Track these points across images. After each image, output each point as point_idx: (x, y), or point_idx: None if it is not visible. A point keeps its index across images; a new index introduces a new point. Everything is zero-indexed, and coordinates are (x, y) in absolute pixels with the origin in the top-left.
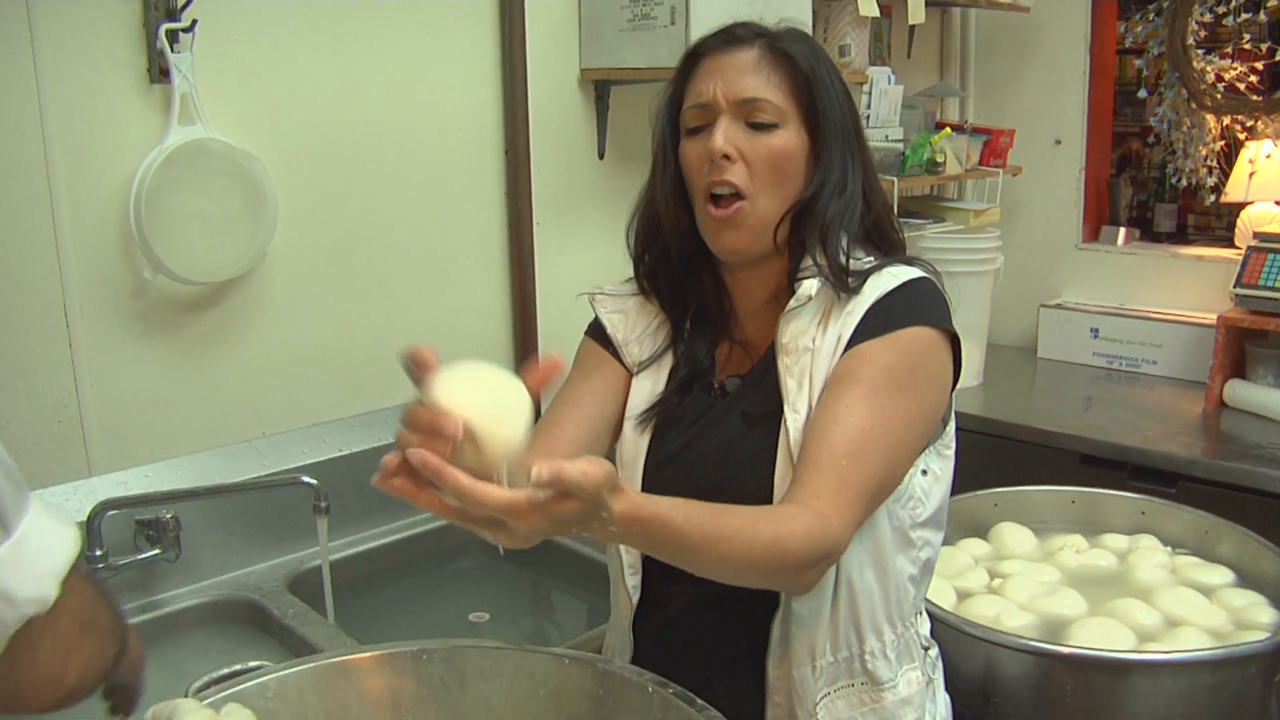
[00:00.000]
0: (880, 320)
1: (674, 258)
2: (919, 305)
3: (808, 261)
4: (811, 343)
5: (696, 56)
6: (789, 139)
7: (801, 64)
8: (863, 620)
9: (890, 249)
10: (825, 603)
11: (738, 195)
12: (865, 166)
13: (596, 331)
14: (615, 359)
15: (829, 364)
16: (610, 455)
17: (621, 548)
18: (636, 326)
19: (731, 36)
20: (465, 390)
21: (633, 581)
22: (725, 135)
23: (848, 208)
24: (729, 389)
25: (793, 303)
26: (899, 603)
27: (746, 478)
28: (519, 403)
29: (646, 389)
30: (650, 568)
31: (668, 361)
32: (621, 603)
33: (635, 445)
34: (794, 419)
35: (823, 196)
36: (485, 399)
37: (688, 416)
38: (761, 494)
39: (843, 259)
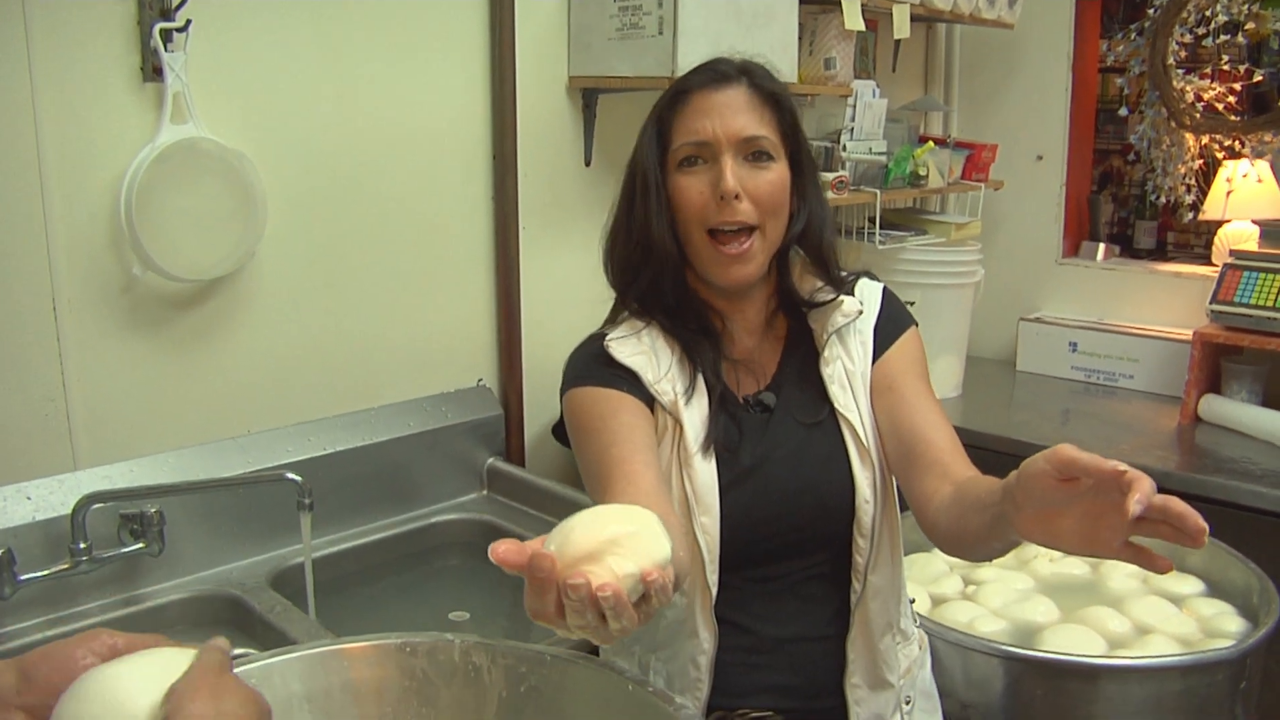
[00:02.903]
0: (889, 329)
1: (666, 287)
2: (903, 309)
3: (815, 283)
4: (836, 353)
5: (683, 93)
6: (782, 172)
7: (785, 103)
8: (903, 584)
9: (835, 265)
10: (894, 571)
11: (747, 228)
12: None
13: (601, 377)
14: (632, 395)
15: (861, 372)
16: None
17: (705, 555)
18: (661, 363)
19: (718, 74)
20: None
21: (713, 578)
22: (733, 175)
23: (833, 234)
24: (768, 404)
25: (841, 320)
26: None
27: (827, 477)
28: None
29: (697, 417)
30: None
31: (702, 385)
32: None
33: (706, 471)
34: (854, 417)
35: (814, 225)
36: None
37: (748, 433)
38: (843, 489)
39: (839, 276)
